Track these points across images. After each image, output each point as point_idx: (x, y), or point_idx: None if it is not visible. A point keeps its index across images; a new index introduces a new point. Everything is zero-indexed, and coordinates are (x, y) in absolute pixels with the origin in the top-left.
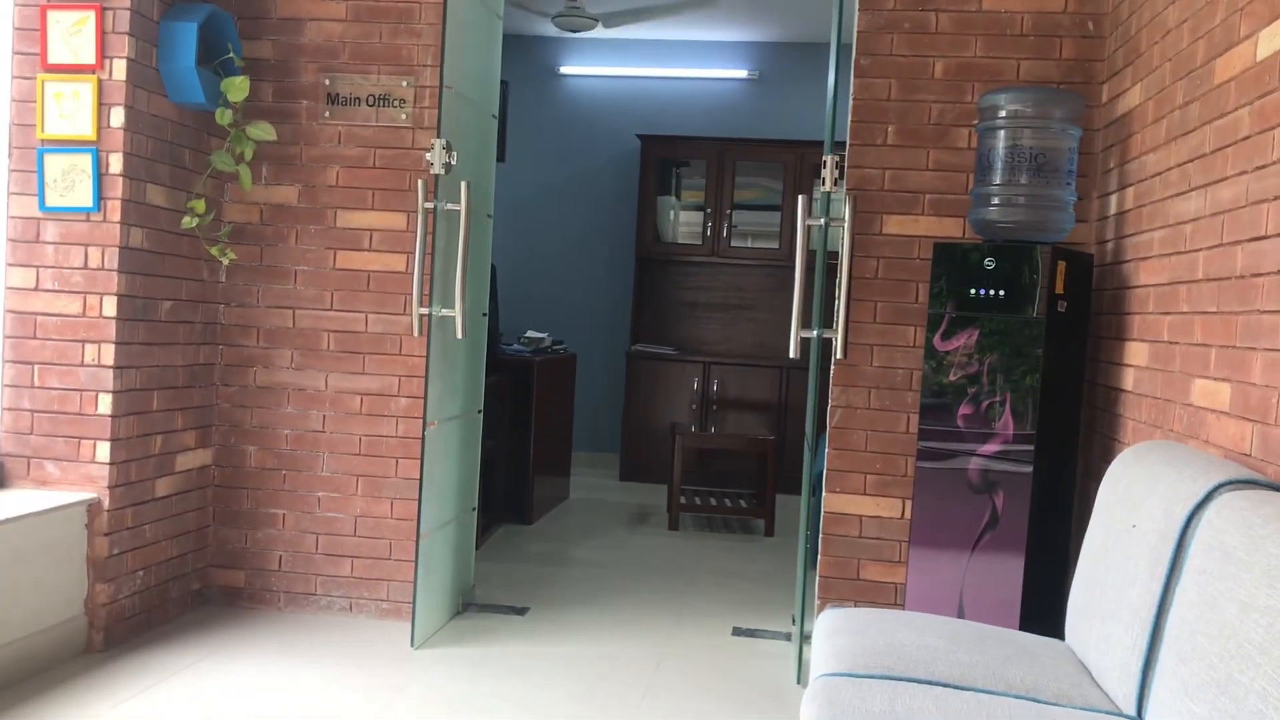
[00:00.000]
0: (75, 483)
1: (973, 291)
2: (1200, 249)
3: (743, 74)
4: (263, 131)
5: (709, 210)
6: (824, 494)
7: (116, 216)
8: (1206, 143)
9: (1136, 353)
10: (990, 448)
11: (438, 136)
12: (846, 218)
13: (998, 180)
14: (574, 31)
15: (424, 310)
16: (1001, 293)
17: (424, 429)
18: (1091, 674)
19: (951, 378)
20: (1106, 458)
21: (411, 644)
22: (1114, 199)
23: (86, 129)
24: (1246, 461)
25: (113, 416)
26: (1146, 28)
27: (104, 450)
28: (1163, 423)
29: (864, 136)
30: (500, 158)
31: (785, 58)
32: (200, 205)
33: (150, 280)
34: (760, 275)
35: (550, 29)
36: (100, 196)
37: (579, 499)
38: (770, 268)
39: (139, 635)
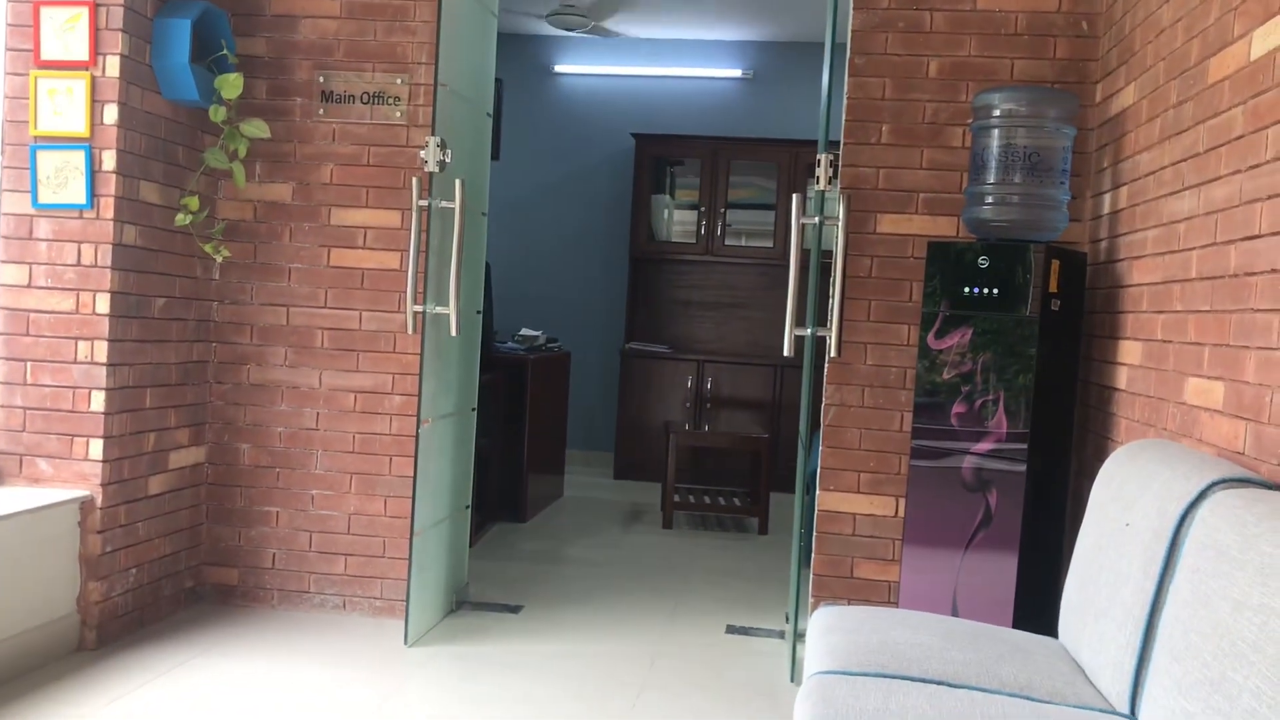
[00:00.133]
0: (68, 480)
1: (966, 290)
2: (1194, 248)
3: (737, 73)
4: (257, 129)
5: (703, 209)
6: (818, 492)
7: (110, 214)
8: (1200, 142)
9: (1130, 351)
10: (984, 446)
11: (432, 134)
12: (841, 216)
13: (992, 179)
14: (568, 30)
15: (418, 308)
16: (995, 291)
17: (418, 426)
18: (1085, 672)
19: (945, 376)
20: (1100, 456)
21: (405, 642)
22: (1107, 198)
23: (80, 126)
24: (1240, 460)
25: (106, 414)
26: (1140, 27)
27: (97, 448)
28: (1156, 421)
29: (858, 135)
30: (495, 156)
31: (779, 57)
32: (194, 202)
33: (143, 277)
34: (754, 274)
35: (545, 28)
36: (93, 193)
37: (573, 497)
38: (764, 266)
39: (132, 633)
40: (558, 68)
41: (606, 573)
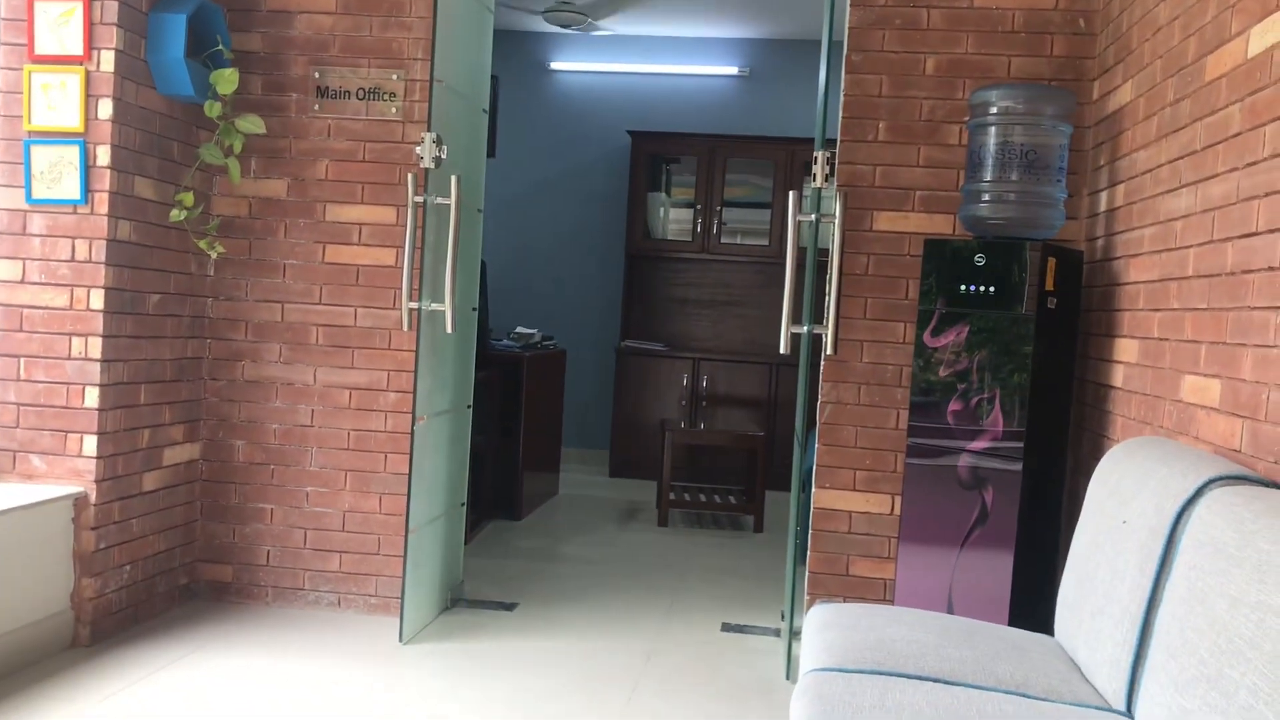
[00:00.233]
0: (62, 476)
1: (963, 288)
2: (1190, 246)
3: (733, 70)
4: (252, 124)
5: (699, 207)
6: (813, 490)
7: (104, 209)
8: (1197, 139)
9: (1126, 349)
10: (980, 444)
11: (428, 130)
12: (837, 214)
13: (988, 177)
14: (565, 27)
15: (413, 304)
16: (991, 289)
17: (413, 424)
18: (1081, 670)
19: (941, 374)
20: (1096, 454)
21: (400, 639)
22: (1104, 196)
23: (74, 121)
24: (1236, 458)
25: (100, 410)
26: (1137, 25)
27: (91, 444)
28: (1152, 419)
29: (855, 133)
30: (490, 153)
31: (776, 55)
32: (188, 198)
33: (138, 273)
34: (750, 272)
35: (541, 24)
36: (88, 189)
37: (568, 495)
38: (760, 265)
39: (125, 630)
40: (554, 65)
41: (602, 570)
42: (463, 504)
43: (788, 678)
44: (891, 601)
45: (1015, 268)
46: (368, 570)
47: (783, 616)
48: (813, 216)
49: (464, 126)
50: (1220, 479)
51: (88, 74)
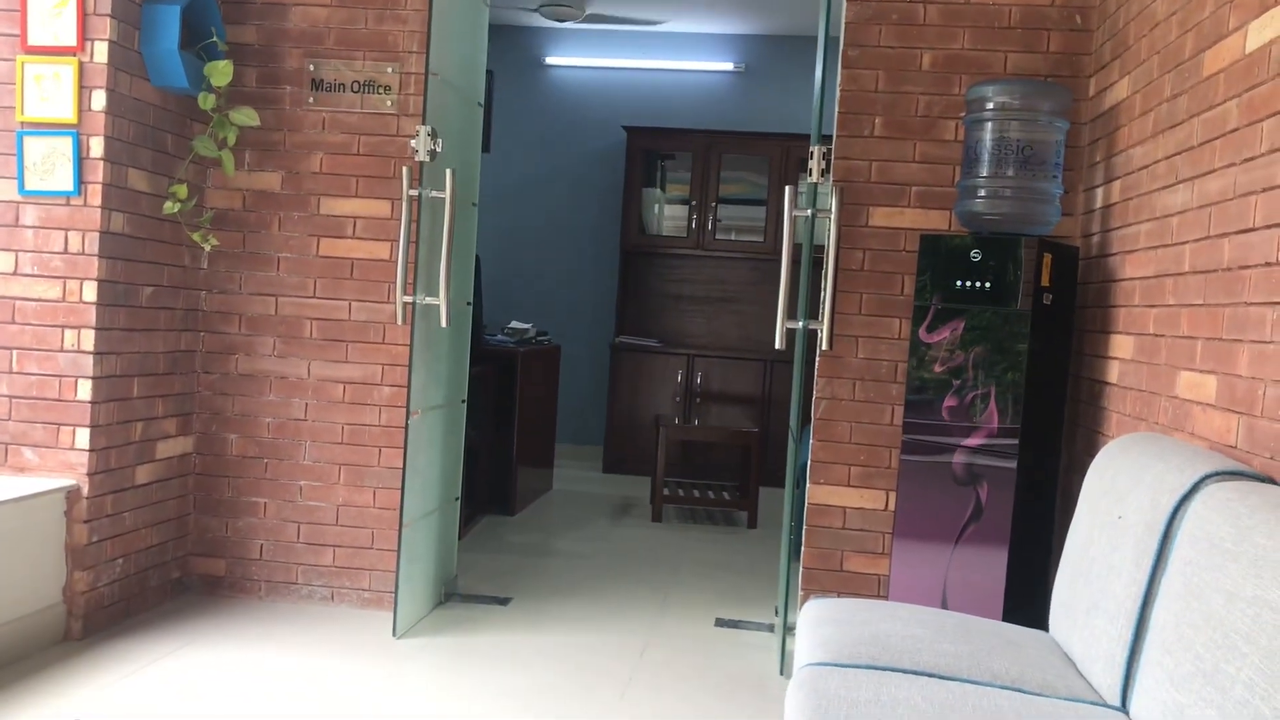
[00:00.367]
0: (54, 469)
1: (958, 284)
2: (1187, 241)
3: (729, 66)
4: (246, 117)
5: (694, 203)
6: (808, 485)
7: (97, 201)
8: (1194, 135)
9: (1122, 345)
10: (974, 440)
11: (423, 123)
12: (833, 209)
13: (984, 172)
14: (560, 21)
15: (408, 298)
16: (987, 285)
17: (407, 418)
18: (1076, 665)
19: (936, 370)
20: (1090, 451)
21: (393, 633)
22: (1100, 192)
23: (67, 112)
24: (1232, 453)
25: (92, 403)
26: (1135, 20)
27: (83, 437)
28: (1147, 415)
29: (851, 128)
30: (485, 148)
31: (771, 50)
32: (182, 190)
33: (131, 266)
34: (745, 269)
35: (536, 19)
36: (81, 180)
37: (562, 490)
38: (755, 261)
39: (118, 623)
40: (549, 60)
41: (596, 566)
42: (457, 499)
43: (781, 673)
44: (885, 597)
45: (1011, 264)
46: (361, 564)
47: (776, 612)
48: (809, 211)
49: (459, 120)
50: (1216, 474)
51: (81, 65)
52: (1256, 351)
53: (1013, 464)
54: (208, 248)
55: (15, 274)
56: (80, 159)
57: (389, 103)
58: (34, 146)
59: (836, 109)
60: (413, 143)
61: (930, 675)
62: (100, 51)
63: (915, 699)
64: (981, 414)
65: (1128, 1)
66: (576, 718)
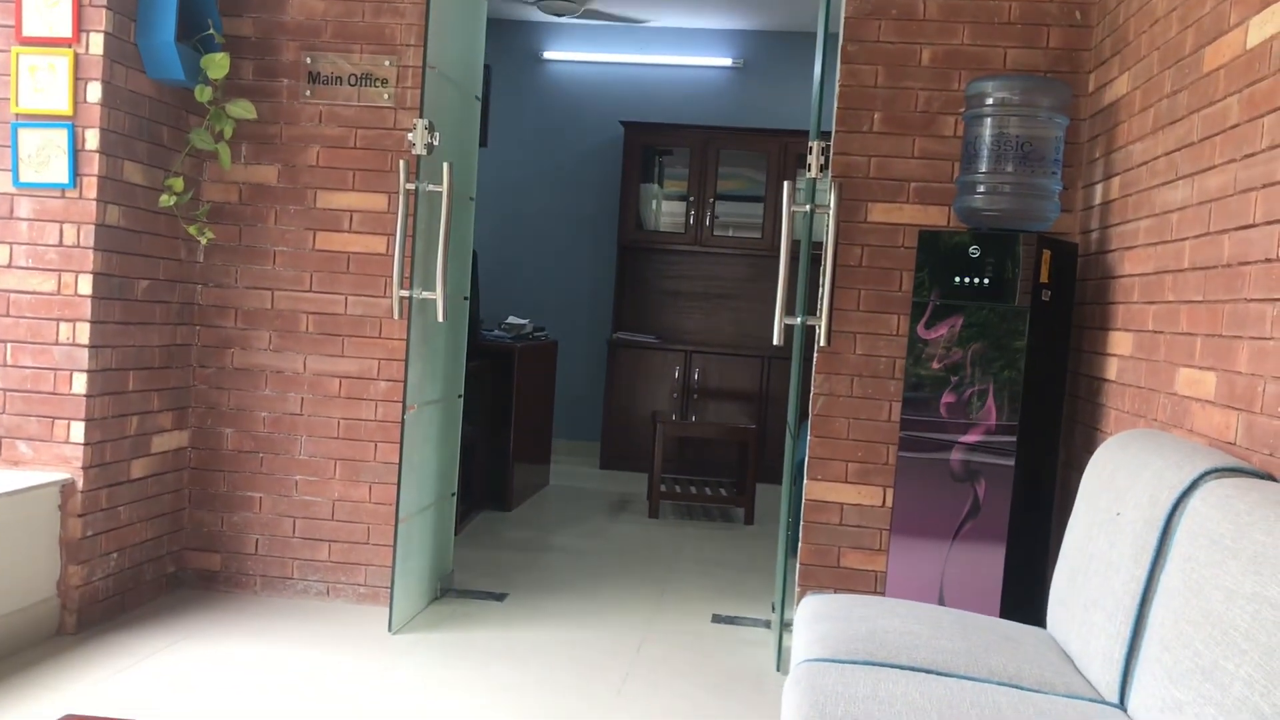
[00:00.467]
0: (48, 463)
1: (957, 280)
2: (1186, 238)
3: (727, 62)
4: (242, 110)
5: (692, 199)
6: (805, 481)
7: (93, 194)
8: (1194, 131)
9: (1120, 342)
10: (972, 437)
11: (420, 117)
12: (832, 205)
13: (984, 168)
14: (558, 16)
15: (404, 293)
16: (986, 281)
17: (404, 413)
18: (1074, 662)
19: (934, 366)
20: (1089, 448)
21: (389, 629)
22: (1099, 188)
23: (62, 104)
24: (1231, 450)
25: (87, 396)
26: (1134, 16)
27: (78, 430)
28: (1146, 412)
29: (850, 124)
30: (483, 143)
31: (770, 46)
32: (178, 184)
33: (127, 259)
34: (742, 265)
35: (534, 14)
36: (76, 173)
37: (559, 486)
38: (752, 258)
39: (112, 618)
40: (546, 54)
41: (592, 562)
42: (453, 494)
43: (778, 669)
44: (883, 593)
45: (1009, 260)
46: (357, 559)
47: (773, 608)
48: (807, 207)
49: (456, 114)
50: (1215, 471)
51: (76, 56)
52: (1256, 348)
53: (1011, 461)
54: (204, 241)
55: (10, 267)
56: (75, 151)
57: (386, 96)
58: (29, 138)
59: (835, 104)
60: (410, 136)
61: (927, 671)
62: (96, 43)
63: (912, 695)
64: (979, 411)
65: None
66: (573, 713)
